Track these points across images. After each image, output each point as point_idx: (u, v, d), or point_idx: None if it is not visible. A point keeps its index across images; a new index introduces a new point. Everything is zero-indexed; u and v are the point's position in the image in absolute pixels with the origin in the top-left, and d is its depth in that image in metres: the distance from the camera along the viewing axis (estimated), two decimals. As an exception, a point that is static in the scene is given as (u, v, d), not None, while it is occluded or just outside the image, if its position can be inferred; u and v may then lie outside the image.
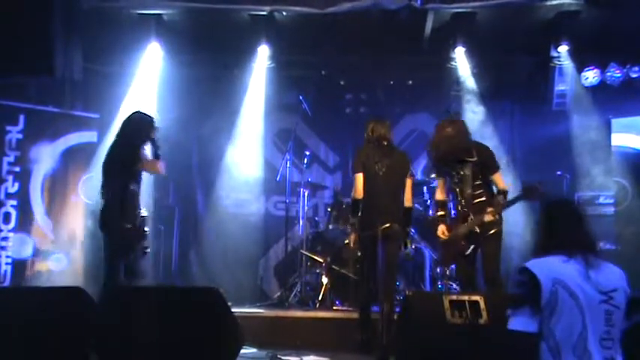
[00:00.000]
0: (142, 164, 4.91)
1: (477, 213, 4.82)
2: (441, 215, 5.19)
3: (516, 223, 6.18)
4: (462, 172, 4.92)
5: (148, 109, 7.19)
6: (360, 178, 5.02)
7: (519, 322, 2.61)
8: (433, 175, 6.52)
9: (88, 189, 6.86)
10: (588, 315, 2.56)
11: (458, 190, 4.98)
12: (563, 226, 2.75)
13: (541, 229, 2.85)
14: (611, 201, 6.98)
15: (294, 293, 6.45)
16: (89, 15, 6.63)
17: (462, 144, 4.95)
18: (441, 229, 5.07)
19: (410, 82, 7.82)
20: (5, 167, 6.68)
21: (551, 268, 2.61)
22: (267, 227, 7.79)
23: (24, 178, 6.74)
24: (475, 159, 4.93)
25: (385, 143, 5.14)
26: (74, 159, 7.00)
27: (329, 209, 7.04)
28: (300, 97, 7.17)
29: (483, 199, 4.89)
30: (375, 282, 4.89)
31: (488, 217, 4.72)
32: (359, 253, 5.46)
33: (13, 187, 6.70)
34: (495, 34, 6.98)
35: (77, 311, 3.79)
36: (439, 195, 5.26)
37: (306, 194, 7.11)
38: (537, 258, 2.69)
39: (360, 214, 5.02)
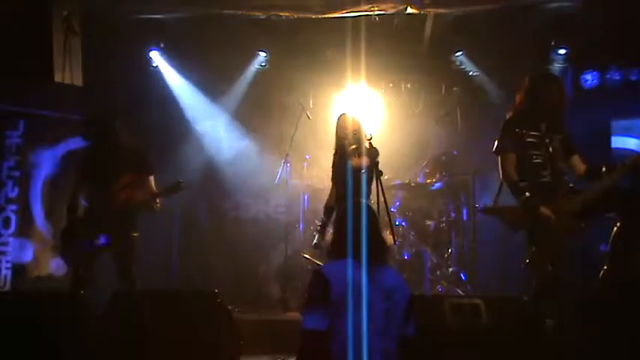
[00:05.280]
0: None
1: (569, 193, 4.16)
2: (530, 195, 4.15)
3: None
4: (551, 145, 4.28)
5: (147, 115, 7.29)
6: None
7: (313, 321, 2.84)
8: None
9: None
10: (371, 312, 2.84)
11: (548, 163, 4.24)
12: (353, 230, 2.99)
13: (335, 233, 3.12)
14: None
15: (294, 297, 6.43)
16: (89, 20, 6.64)
17: (566, 105, 4.34)
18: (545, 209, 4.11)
19: (409, 85, 7.81)
20: (5, 172, 6.67)
21: (341, 270, 2.88)
22: (267, 231, 7.75)
23: (24, 182, 6.72)
24: (564, 134, 4.34)
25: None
26: (74, 164, 6.97)
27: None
28: (300, 101, 7.15)
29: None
30: None
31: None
32: None
33: (13, 192, 6.69)
34: (494, 37, 6.99)
35: (77, 316, 3.79)
36: (515, 173, 4.29)
37: (306, 198, 7.10)
38: (331, 261, 3.04)
39: None
